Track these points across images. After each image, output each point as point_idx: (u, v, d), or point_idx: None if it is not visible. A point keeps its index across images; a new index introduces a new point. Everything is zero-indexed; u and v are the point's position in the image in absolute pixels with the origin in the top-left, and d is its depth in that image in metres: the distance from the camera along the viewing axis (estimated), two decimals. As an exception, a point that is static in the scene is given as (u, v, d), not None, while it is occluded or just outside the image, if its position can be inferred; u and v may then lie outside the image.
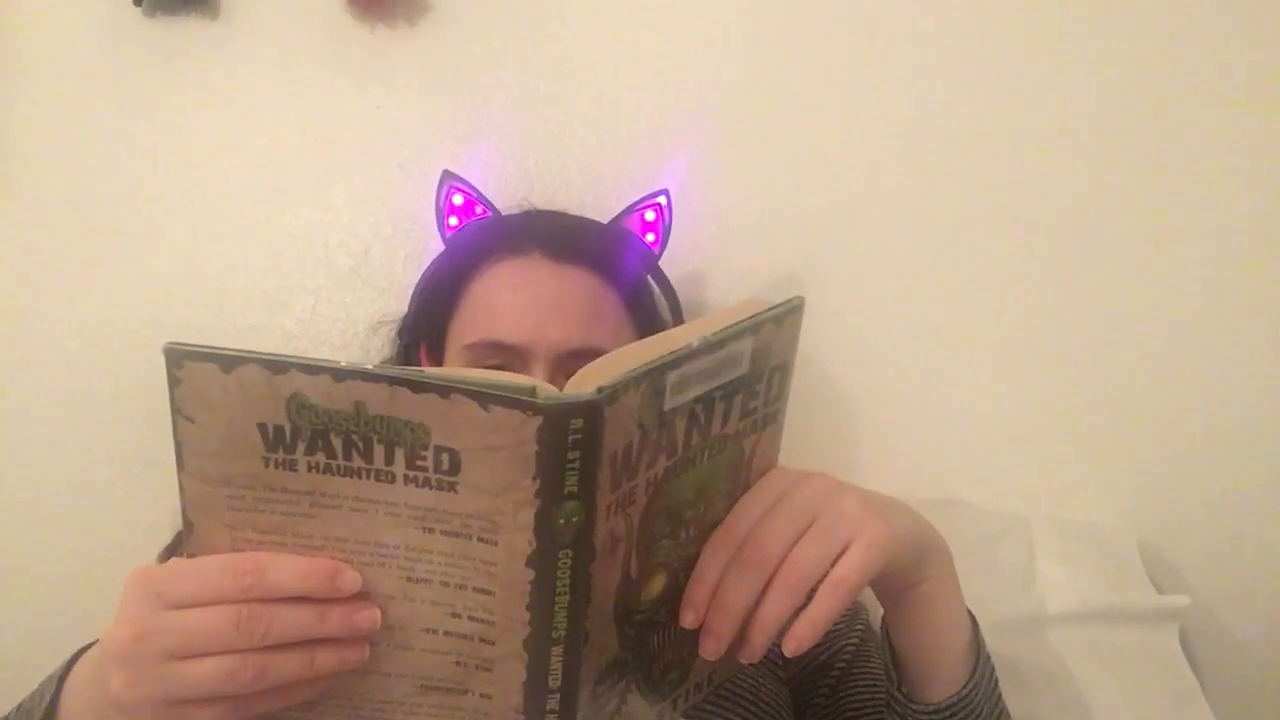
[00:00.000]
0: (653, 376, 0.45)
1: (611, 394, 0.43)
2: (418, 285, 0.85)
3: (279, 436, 0.42)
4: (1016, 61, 0.98)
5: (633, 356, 0.46)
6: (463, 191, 0.86)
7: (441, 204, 0.86)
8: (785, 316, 0.52)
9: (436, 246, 0.87)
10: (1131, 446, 1.00)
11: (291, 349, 0.99)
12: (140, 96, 0.99)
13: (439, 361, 0.81)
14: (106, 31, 0.98)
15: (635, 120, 1.00)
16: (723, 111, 1.00)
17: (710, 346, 0.48)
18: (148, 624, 0.43)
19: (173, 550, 0.75)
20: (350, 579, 0.45)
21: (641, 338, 0.79)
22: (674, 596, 0.54)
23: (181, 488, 0.44)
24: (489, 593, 0.46)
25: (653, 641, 0.55)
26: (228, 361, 0.41)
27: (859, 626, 0.82)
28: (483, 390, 0.41)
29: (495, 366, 0.74)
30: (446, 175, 0.86)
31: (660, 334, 0.53)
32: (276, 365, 0.41)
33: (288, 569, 0.44)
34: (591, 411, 0.42)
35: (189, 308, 1.00)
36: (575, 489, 0.44)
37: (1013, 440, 1.01)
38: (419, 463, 0.43)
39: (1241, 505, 0.99)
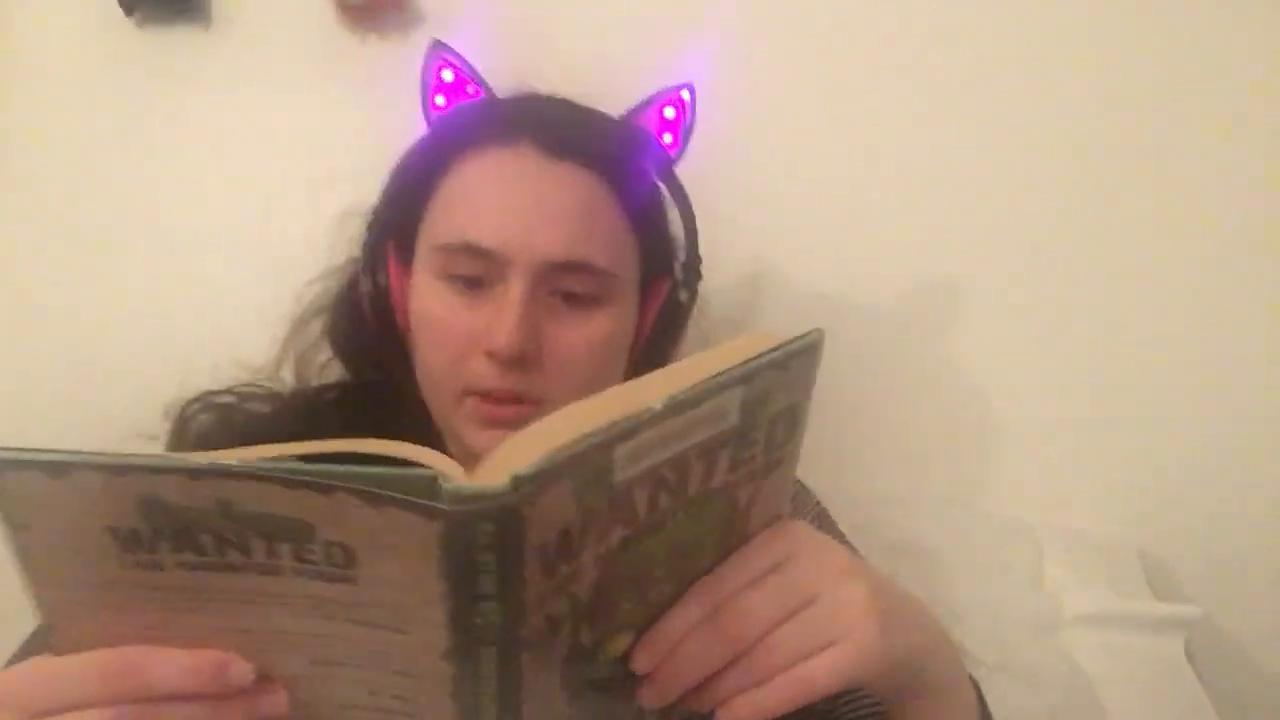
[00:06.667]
0: (591, 457, 0.38)
1: (531, 490, 0.35)
2: (391, 172, 0.72)
3: (134, 539, 0.36)
4: (1019, 64, 0.97)
5: (575, 422, 0.38)
6: (453, 67, 0.75)
7: (428, 79, 0.75)
8: (791, 359, 0.44)
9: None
10: (1133, 457, 1.00)
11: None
12: (132, 106, 0.99)
13: (408, 265, 0.70)
14: (99, 41, 0.98)
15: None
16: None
17: (678, 407, 0.40)
18: None
19: (31, 648, 0.59)
20: (240, 671, 0.40)
21: (645, 254, 0.70)
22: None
23: (33, 596, 0.38)
24: (409, 675, 0.41)
25: (618, 696, 0.50)
26: (54, 469, 0.35)
27: None
28: (371, 490, 0.35)
29: (470, 276, 0.65)
30: (436, 45, 0.75)
31: (622, 385, 0.44)
32: (115, 468, 0.35)
33: (169, 666, 0.39)
34: (504, 514, 0.35)
35: (179, 317, 0.99)
36: (493, 590, 0.37)
37: (1014, 450, 1.01)
38: (308, 557, 0.37)
39: (1244, 515, 0.99)
